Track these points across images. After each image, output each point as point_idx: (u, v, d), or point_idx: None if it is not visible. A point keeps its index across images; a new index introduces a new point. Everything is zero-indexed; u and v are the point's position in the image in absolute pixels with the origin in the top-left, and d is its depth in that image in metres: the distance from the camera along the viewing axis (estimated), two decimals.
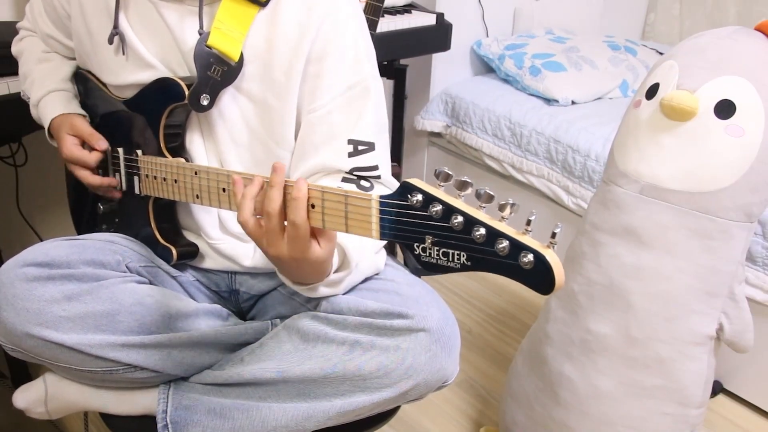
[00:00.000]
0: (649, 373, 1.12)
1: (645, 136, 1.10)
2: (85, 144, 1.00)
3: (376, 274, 0.92)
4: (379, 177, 0.92)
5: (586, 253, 1.17)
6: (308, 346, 0.86)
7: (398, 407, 0.94)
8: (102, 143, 0.98)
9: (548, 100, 2.09)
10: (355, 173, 0.90)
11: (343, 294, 0.88)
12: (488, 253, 0.57)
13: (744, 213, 1.06)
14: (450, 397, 1.62)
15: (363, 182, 0.90)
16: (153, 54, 0.92)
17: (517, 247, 0.55)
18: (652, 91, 1.11)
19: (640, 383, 1.13)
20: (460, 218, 0.58)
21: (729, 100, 1.02)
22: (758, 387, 1.60)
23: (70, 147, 0.98)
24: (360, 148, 0.90)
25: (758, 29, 1.09)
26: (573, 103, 2.08)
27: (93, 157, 0.98)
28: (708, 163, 1.04)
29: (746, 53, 1.05)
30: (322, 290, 0.83)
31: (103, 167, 1.02)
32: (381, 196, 0.64)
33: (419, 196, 0.61)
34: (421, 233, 0.61)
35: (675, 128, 1.06)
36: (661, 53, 2.32)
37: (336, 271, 0.83)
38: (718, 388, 1.64)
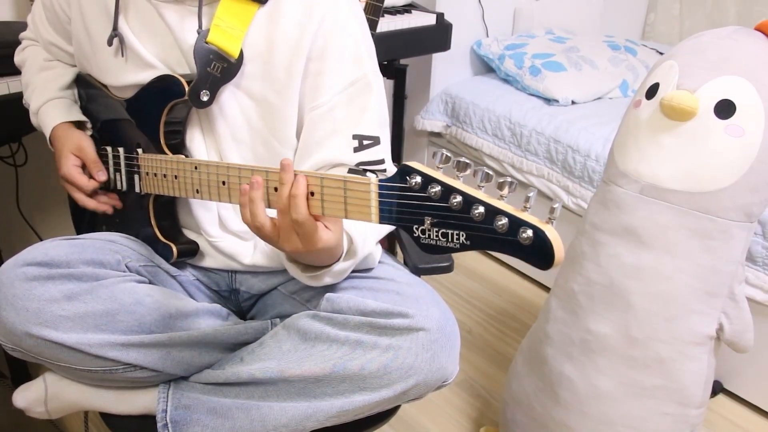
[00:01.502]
0: (649, 373, 1.12)
1: (645, 136, 1.10)
2: (85, 168, 1.00)
3: (371, 270, 0.93)
4: (385, 170, 0.93)
5: (586, 253, 1.17)
6: (308, 346, 0.86)
7: (398, 407, 0.94)
8: (101, 175, 1.00)
9: (548, 100, 2.09)
10: (361, 167, 0.91)
11: (343, 293, 0.88)
12: (487, 231, 0.57)
13: (744, 213, 1.06)
14: (450, 397, 1.62)
15: (369, 174, 0.91)
16: (153, 54, 0.92)
17: (516, 224, 0.56)
18: (652, 91, 1.11)
19: (640, 383, 1.13)
20: (458, 198, 0.58)
21: (729, 100, 1.02)
22: (758, 387, 1.60)
23: (70, 168, 0.98)
24: (365, 142, 0.91)
25: (758, 29, 1.09)
26: (573, 103, 2.08)
27: (90, 185, 0.99)
28: (708, 163, 1.04)
29: (746, 53, 1.05)
30: (327, 280, 0.85)
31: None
32: (380, 180, 0.64)
33: (418, 178, 0.61)
34: (420, 215, 0.61)
35: (675, 128, 1.06)
36: (661, 53, 2.32)
37: (343, 259, 0.84)
38: (718, 388, 1.64)
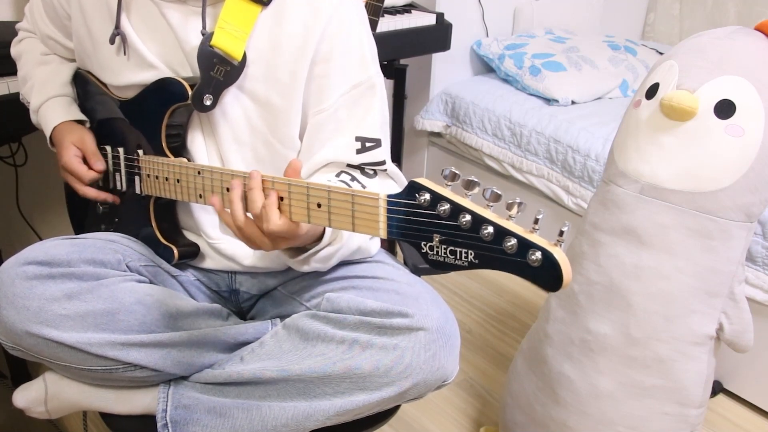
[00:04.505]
0: (649, 373, 1.12)
1: (645, 136, 1.10)
2: (85, 161, 1.00)
3: (368, 265, 0.93)
4: (385, 170, 0.94)
5: (586, 253, 1.17)
6: (308, 345, 0.86)
7: (398, 407, 0.94)
8: (99, 165, 1.00)
9: (548, 100, 2.09)
10: (362, 166, 0.93)
11: (343, 293, 0.88)
12: (496, 251, 0.58)
13: (744, 213, 1.06)
14: (450, 396, 1.62)
15: (367, 169, 0.93)
16: (155, 54, 0.92)
17: (525, 245, 0.56)
18: (652, 91, 1.11)
19: (640, 383, 1.13)
20: (468, 217, 0.59)
21: (729, 100, 1.02)
22: (758, 387, 1.60)
23: (71, 157, 0.98)
24: (368, 144, 0.91)
25: (758, 29, 1.09)
26: (573, 103, 2.08)
27: (89, 175, 0.99)
28: (708, 163, 1.04)
29: (746, 53, 1.05)
30: (315, 265, 0.86)
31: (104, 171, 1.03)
32: (389, 196, 0.65)
33: (427, 196, 0.61)
34: (428, 232, 0.62)
35: (675, 128, 1.06)
36: (661, 53, 2.32)
37: (331, 244, 0.85)
38: (718, 388, 1.64)
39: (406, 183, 0.64)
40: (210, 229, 0.98)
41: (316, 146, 0.92)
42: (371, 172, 0.93)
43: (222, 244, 0.98)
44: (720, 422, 1.58)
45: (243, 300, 1.05)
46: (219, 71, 0.87)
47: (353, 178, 0.90)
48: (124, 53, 0.93)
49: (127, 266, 0.92)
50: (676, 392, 1.12)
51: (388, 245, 1.44)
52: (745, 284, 1.17)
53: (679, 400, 1.13)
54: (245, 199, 0.76)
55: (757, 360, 1.57)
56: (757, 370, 1.58)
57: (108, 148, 1.01)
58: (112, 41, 0.93)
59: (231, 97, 0.91)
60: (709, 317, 1.11)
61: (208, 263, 1.00)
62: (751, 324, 1.14)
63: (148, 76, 0.92)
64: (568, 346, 1.18)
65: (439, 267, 0.62)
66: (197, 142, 0.94)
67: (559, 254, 0.55)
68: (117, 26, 0.91)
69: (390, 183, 0.96)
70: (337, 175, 0.90)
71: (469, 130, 2.20)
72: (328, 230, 0.82)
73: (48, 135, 1.02)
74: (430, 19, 1.85)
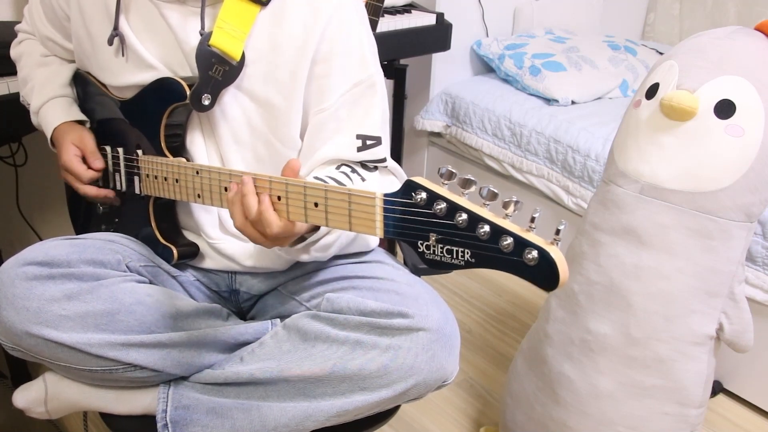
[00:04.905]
0: (648, 373, 1.12)
1: (645, 136, 1.10)
2: (85, 160, 1.00)
3: (367, 264, 0.93)
4: (386, 167, 0.95)
5: (586, 253, 1.17)
6: (308, 346, 0.86)
7: (398, 407, 0.94)
8: (98, 163, 1.00)
9: (548, 100, 2.09)
10: (362, 162, 0.93)
11: (343, 293, 0.88)
12: (492, 250, 0.58)
13: (744, 213, 1.06)
14: (450, 397, 1.62)
15: (368, 163, 0.93)
16: (154, 55, 0.92)
17: (522, 244, 0.56)
18: (652, 91, 1.11)
19: (640, 383, 1.13)
20: (464, 216, 0.59)
21: (729, 100, 1.02)
22: (758, 387, 1.60)
23: (71, 156, 0.99)
24: (368, 142, 0.91)
25: (758, 29, 1.09)
26: (573, 103, 2.08)
27: (87, 174, 0.99)
28: (708, 163, 1.04)
29: (746, 53, 1.05)
30: (315, 254, 0.86)
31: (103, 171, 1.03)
32: (385, 195, 0.65)
33: (423, 194, 0.61)
34: (425, 231, 0.62)
35: (675, 128, 1.06)
36: (661, 53, 2.32)
37: (329, 232, 0.85)
38: (718, 388, 1.64)
39: (406, 178, 0.64)
40: (210, 228, 0.98)
41: (317, 145, 0.92)
42: (371, 166, 0.94)
43: (222, 244, 0.98)
44: (720, 422, 1.58)
45: (243, 300, 1.05)
46: (217, 71, 0.87)
47: (353, 170, 0.90)
48: (123, 54, 0.93)
49: (127, 266, 0.92)
50: (676, 392, 1.12)
51: (388, 245, 1.44)
52: (745, 284, 1.17)
53: (679, 400, 1.13)
54: (242, 203, 0.76)
55: (757, 360, 1.57)
56: (757, 370, 1.58)
57: (108, 149, 1.01)
58: (110, 42, 0.93)
59: (230, 97, 0.91)
60: (709, 317, 1.11)
61: (208, 263, 1.00)
62: (751, 324, 1.14)
63: (147, 77, 0.92)
64: (568, 346, 1.18)
65: (436, 266, 0.62)
66: (197, 143, 0.94)
67: (555, 253, 0.55)
68: (115, 27, 0.91)
69: (391, 178, 0.97)
70: (338, 168, 0.90)
71: (469, 130, 2.20)
72: None
73: (49, 136, 1.02)
74: (430, 19, 1.85)
